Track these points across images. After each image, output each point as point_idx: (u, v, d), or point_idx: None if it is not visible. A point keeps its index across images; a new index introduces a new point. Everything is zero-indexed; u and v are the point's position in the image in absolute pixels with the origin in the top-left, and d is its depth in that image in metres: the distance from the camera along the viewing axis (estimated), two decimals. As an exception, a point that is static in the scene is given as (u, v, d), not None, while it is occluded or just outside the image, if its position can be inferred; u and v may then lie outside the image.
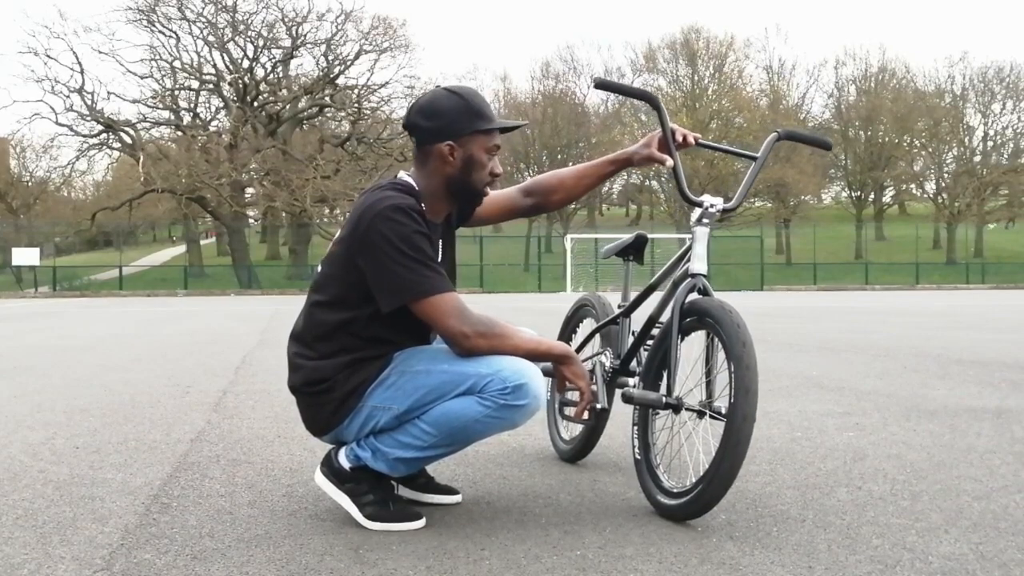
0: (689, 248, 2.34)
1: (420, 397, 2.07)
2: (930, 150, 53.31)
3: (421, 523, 2.14)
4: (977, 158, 53.22)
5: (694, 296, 2.25)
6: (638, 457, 2.33)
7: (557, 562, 1.87)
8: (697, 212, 2.33)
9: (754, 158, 2.46)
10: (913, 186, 56.18)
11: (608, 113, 53.96)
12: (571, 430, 2.96)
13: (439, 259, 2.17)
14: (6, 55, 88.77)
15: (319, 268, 2.24)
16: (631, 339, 2.63)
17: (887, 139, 52.74)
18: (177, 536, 2.09)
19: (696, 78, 51.15)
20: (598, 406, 2.39)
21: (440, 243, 2.24)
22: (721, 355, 2.13)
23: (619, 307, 2.75)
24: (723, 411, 2.09)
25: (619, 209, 70.98)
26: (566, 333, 3.08)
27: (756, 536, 2.05)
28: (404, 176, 2.21)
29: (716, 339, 2.15)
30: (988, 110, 52.94)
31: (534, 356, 2.09)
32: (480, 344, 2.05)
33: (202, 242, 49.41)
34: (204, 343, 8.39)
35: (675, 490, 2.18)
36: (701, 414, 2.20)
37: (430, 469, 2.46)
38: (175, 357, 6.89)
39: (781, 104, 52.76)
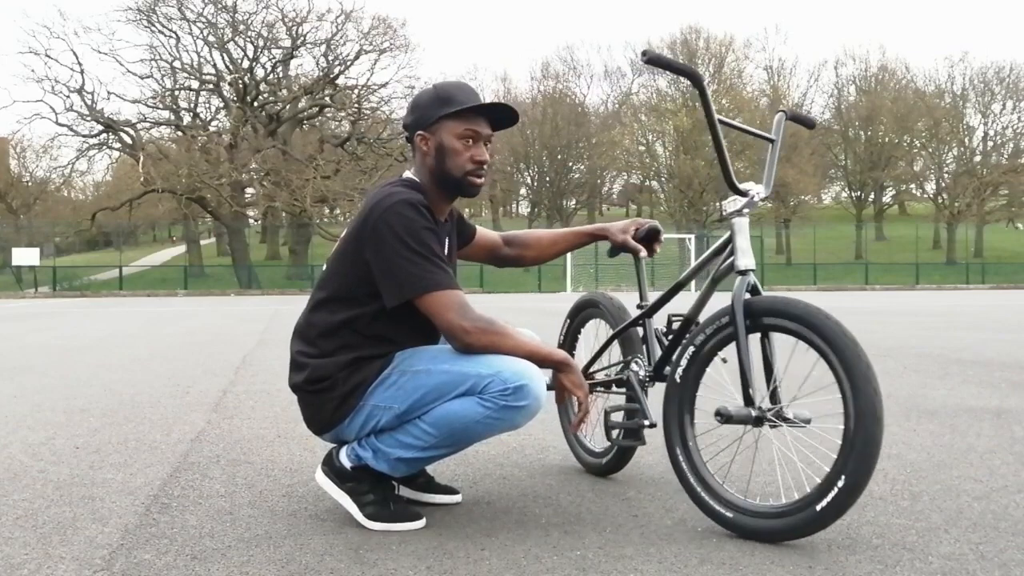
0: (729, 242, 2.18)
1: (421, 397, 2.07)
2: (930, 150, 53.37)
3: (421, 523, 2.14)
4: (977, 158, 53.28)
5: (751, 295, 2.08)
6: (690, 476, 2.13)
7: (557, 562, 1.87)
8: (740, 202, 2.16)
9: (771, 139, 2.32)
10: (913, 186, 56.21)
11: (608, 113, 53.99)
12: (605, 441, 2.68)
13: (446, 256, 2.18)
14: (6, 55, 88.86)
15: (324, 266, 2.25)
16: (655, 342, 2.47)
17: (887, 139, 52.79)
18: (177, 536, 2.09)
19: (696, 78, 51.06)
20: (646, 422, 2.28)
21: (447, 243, 2.25)
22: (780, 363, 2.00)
23: (638, 307, 2.55)
24: (804, 417, 1.99)
25: (619, 209, 70.99)
26: (568, 336, 2.90)
27: (756, 536, 2.05)
28: (409, 174, 2.22)
29: (820, 355, 1.94)
30: (988, 110, 53.02)
31: (533, 358, 2.07)
32: (480, 340, 2.04)
33: (202, 242, 49.41)
34: (204, 343, 8.39)
35: (772, 510, 1.99)
36: (776, 425, 2.03)
37: (430, 469, 2.46)
38: (175, 357, 6.89)
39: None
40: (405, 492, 2.34)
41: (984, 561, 1.86)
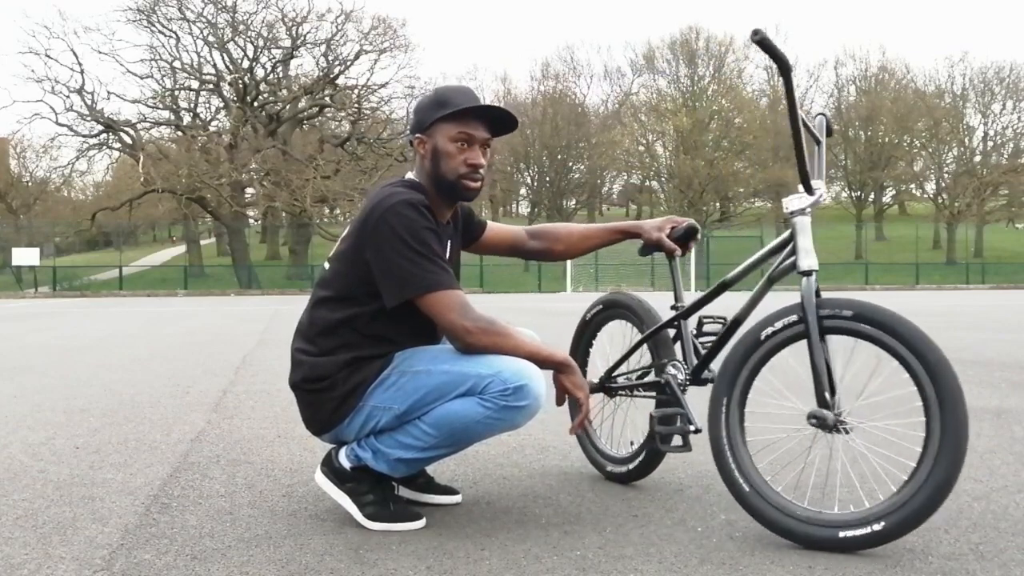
0: (789, 241, 2.12)
1: (420, 398, 2.07)
2: (930, 150, 53.37)
3: (421, 523, 2.14)
4: (977, 158, 53.29)
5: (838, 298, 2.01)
6: (746, 488, 2.02)
7: (557, 562, 1.87)
8: (807, 200, 2.09)
9: (818, 140, 2.25)
10: (913, 186, 56.24)
11: (608, 113, 53.99)
12: (631, 446, 2.59)
13: (447, 258, 2.18)
14: (6, 55, 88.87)
15: (326, 265, 2.25)
16: (691, 343, 2.38)
17: (887, 139, 52.80)
18: (177, 536, 2.09)
19: (696, 78, 51.16)
20: (692, 428, 2.19)
21: (449, 244, 2.25)
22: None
23: (672, 308, 2.45)
24: (850, 427, 1.95)
25: (619, 209, 71.01)
26: (584, 337, 2.78)
27: (756, 536, 2.05)
28: (412, 175, 2.22)
29: (906, 370, 1.89)
30: (988, 110, 53.03)
31: (534, 359, 2.07)
32: (482, 340, 2.04)
33: (202, 242, 49.42)
34: (204, 343, 8.39)
35: (790, 508, 1.97)
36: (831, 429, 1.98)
37: (430, 469, 2.46)
38: (175, 357, 6.89)
39: (781, 104, 52.72)
40: (405, 493, 2.34)
41: (984, 561, 1.86)
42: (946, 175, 53.34)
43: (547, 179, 51.37)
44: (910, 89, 54.38)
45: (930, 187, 54.92)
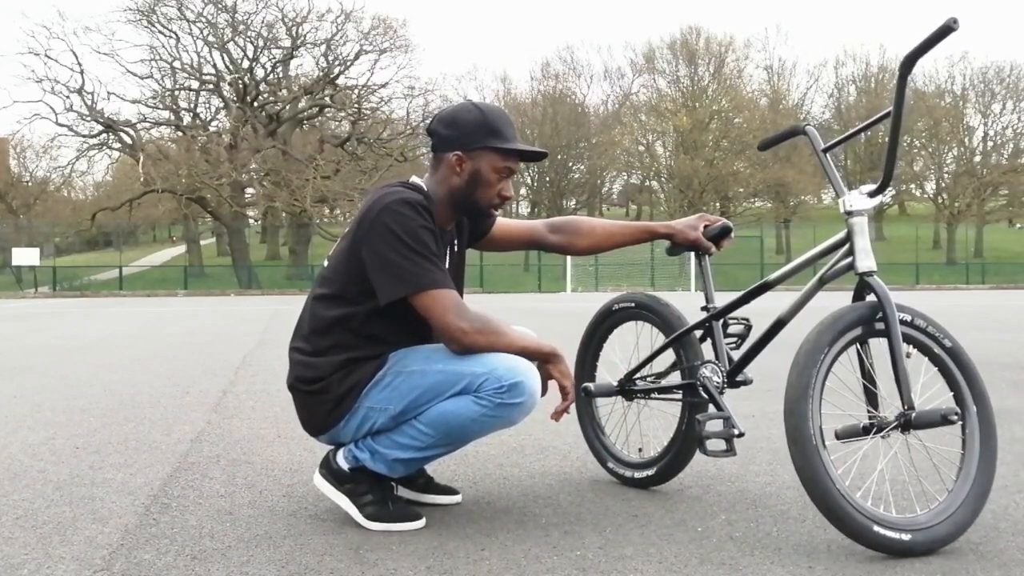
0: (844, 242, 2.08)
1: (416, 398, 2.07)
2: (930, 150, 53.35)
3: (421, 523, 2.14)
4: (977, 158, 53.27)
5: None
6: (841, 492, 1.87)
7: (557, 562, 1.87)
8: (871, 201, 2.07)
9: (880, 120, 2.23)
10: (913, 186, 56.24)
11: (608, 113, 53.97)
12: (653, 449, 2.53)
13: (446, 265, 2.18)
14: (6, 55, 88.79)
15: (325, 263, 2.25)
16: (724, 342, 2.33)
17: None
18: (177, 536, 2.09)
19: (696, 78, 51.15)
20: (736, 431, 2.13)
21: (448, 252, 2.25)
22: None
23: (703, 309, 2.39)
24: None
25: (619, 209, 71.02)
26: (594, 339, 2.68)
27: (756, 536, 2.05)
28: (416, 179, 2.22)
29: (946, 381, 1.98)
30: (988, 110, 53.01)
31: (527, 353, 2.10)
32: (478, 340, 2.05)
33: (202, 242, 49.41)
34: (204, 343, 8.39)
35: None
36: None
37: (430, 469, 2.46)
38: (175, 357, 6.89)
39: (781, 104, 52.76)
40: (404, 493, 2.34)
41: (984, 561, 1.86)
42: (946, 175, 53.32)
43: (547, 179, 51.36)
44: (910, 89, 54.32)
45: (930, 187, 54.91)
